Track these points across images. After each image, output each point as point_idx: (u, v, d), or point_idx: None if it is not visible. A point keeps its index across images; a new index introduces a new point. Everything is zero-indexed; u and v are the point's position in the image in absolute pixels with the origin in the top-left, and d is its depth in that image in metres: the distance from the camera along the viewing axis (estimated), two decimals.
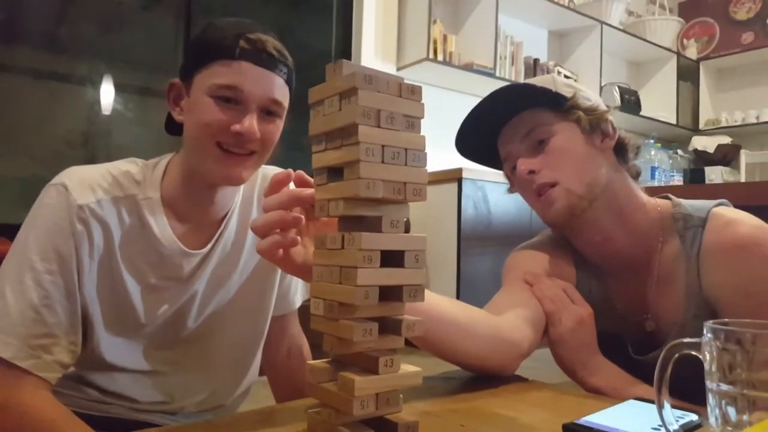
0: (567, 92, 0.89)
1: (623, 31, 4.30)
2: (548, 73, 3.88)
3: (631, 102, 4.24)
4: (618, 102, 4.11)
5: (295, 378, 1.13)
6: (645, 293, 0.89)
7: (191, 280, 0.93)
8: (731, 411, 0.44)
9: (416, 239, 0.55)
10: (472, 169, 2.92)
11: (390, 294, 0.53)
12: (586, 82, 4.12)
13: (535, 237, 1.04)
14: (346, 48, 3.46)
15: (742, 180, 4.25)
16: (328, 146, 0.54)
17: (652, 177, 3.98)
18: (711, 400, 0.46)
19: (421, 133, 0.55)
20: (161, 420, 0.95)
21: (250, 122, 0.83)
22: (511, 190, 1.00)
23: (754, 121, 4.37)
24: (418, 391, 0.55)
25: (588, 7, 4.14)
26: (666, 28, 4.61)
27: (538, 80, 0.91)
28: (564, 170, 0.85)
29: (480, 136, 0.94)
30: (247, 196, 0.99)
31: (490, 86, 3.63)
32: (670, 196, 0.92)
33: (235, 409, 1.07)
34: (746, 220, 0.81)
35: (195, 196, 0.91)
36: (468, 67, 3.40)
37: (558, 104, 0.88)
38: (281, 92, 0.87)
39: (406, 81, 0.54)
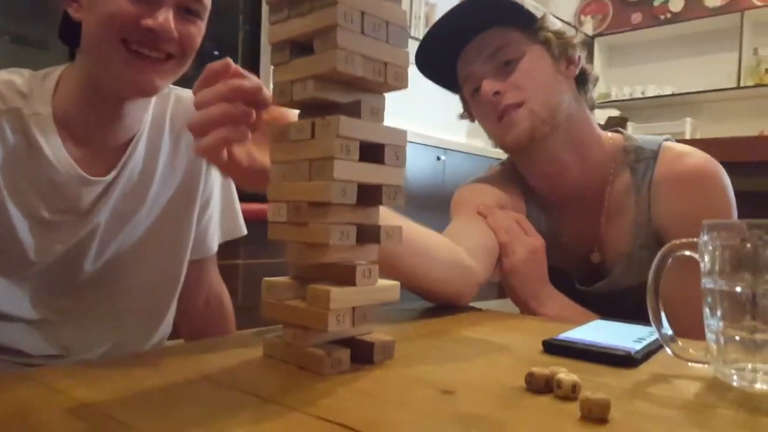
0: (537, 13, 0.85)
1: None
2: None
3: None
4: None
5: (214, 331, 1.02)
6: (594, 226, 0.88)
7: (90, 214, 0.78)
8: (735, 309, 0.42)
9: (398, 132, 0.47)
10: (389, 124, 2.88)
11: (367, 196, 0.45)
12: None
13: (483, 172, 1.00)
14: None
15: None
16: (292, 13, 0.45)
17: None
18: (710, 300, 0.44)
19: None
20: None
21: (166, 17, 0.69)
22: (465, 116, 0.94)
23: (640, 95, 4.73)
24: (382, 319, 0.48)
25: None
26: (567, 3, 4.82)
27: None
28: (530, 92, 0.81)
29: (440, 54, 0.87)
30: (157, 119, 0.85)
31: None
32: (621, 130, 0.91)
33: None
34: (696, 152, 0.82)
35: (96, 113, 0.76)
36: None
37: (526, 24, 0.84)
38: None
39: None
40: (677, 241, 0.47)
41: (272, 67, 0.47)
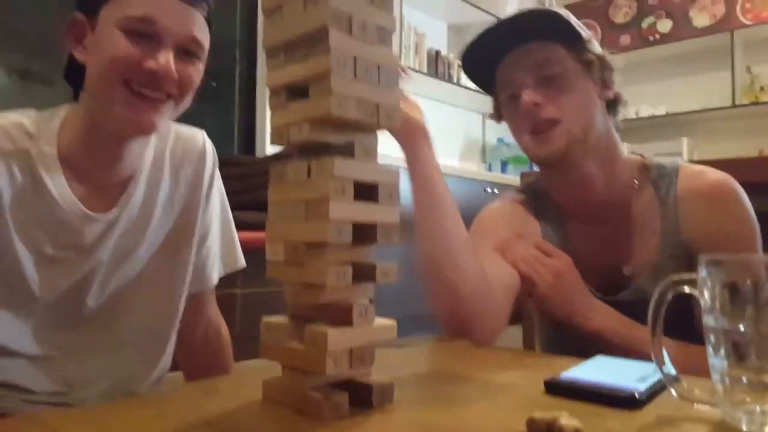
0: (584, 33, 0.87)
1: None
2: (449, 65, 3.95)
3: None
4: None
5: (213, 364, 1.02)
6: (619, 239, 0.90)
7: (93, 250, 0.80)
8: (740, 350, 0.41)
9: (390, 171, 0.47)
10: (381, 154, 2.89)
11: (362, 235, 0.46)
12: None
13: (499, 198, 1.04)
14: (251, 31, 3.27)
15: None
16: (289, 59, 0.46)
17: None
18: (713, 339, 0.43)
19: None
20: None
21: (167, 59, 0.72)
22: (494, 117, 0.97)
23: (633, 116, 4.77)
24: (380, 355, 0.47)
25: (485, 2, 4.27)
26: None
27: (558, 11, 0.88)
28: (568, 110, 0.83)
29: (483, 56, 0.90)
30: (157, 156, 0.87)
31: None
32: (638, 152, 0.95)
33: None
34: (714, 170, 0.86)
35: (98, 152, 0.78)
36: None
37: (571, 42, 0.86)
38: (201, 30, 0.76)
39: None
40: (676, 277, 0.47)
41: (269, 110, 0.47)
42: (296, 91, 0.46)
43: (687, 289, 0.46)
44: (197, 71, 0.78)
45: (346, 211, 0.43)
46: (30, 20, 2.56)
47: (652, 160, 0.91)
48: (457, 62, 4.08)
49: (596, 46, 0.88)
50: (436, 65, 3.87)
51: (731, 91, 4.27)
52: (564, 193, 0.94)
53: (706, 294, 0.44)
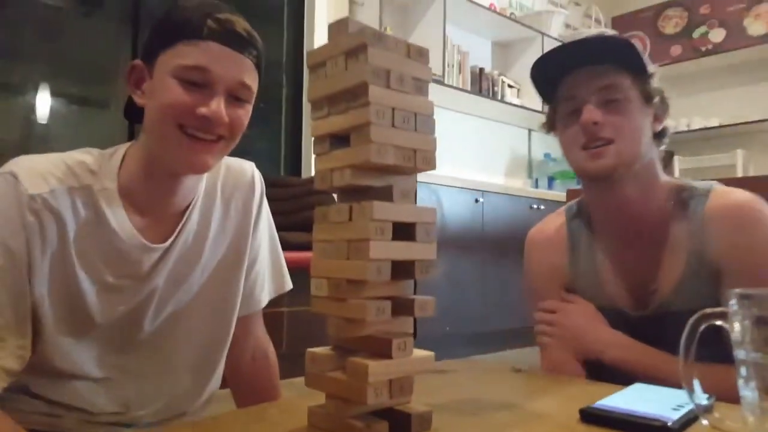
0: (651, 67, 0.92)
1: (562, 42, 4.47)
2: (493, 82, 3.96)
3: None
4: None
5: (260, 384, 1.06)
6: (647, 256, 0.94)
7: (150, 277, 0.85)
8: None
9: (428, 211, 0.51)
10: (426, 173, 2.92)
11: (400, 271, 0.49)
12: (528, 92, 4.24)
13: (536, 226, 1.11)
14: (297, 56, 3.40)
15: None
16: (332, 111, 0.50)
17: None
18: (744, 372, 0.44)
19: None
20: None
21: (218, 105, 0.77)
22: (547, 128, 1.02)
23: (685, 128, 4.63)
24: (421, 382, 0.50)
25: (529, 18, 4.26)
26: None
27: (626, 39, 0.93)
28: (624, 134, 0.88)
29: (553, 68, 0.95)
30: (210, 187, 0.92)
31: (438, 94, 3.63)
32: (678, 177, 0.99)
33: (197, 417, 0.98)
34: (744, 191, 0.88)
35: (155, 187, 0.84)
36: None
37: (638, 72, 0.91)
38: (250, 76, 0.81)
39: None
40: (709, 311, 0.48)
41: (314, 156, 0.52)
42: (339, 139, 0.50)
43: (718, 323, 0.47)
44: (246, 114, 0.82)
45: (385, 250, 0.47)
46: (88, 53, 2.73)
47: (687, 183, 0.95)
48: (501, 78, 4.08)
49: (656, 82, 0.93)
50: (480, 82, 3.88)
51: None
52: (602, 210, 0.99)
53: (737, 327, 0.45)
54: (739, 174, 4.27)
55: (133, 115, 0.86)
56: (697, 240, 0.89)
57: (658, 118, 0.94)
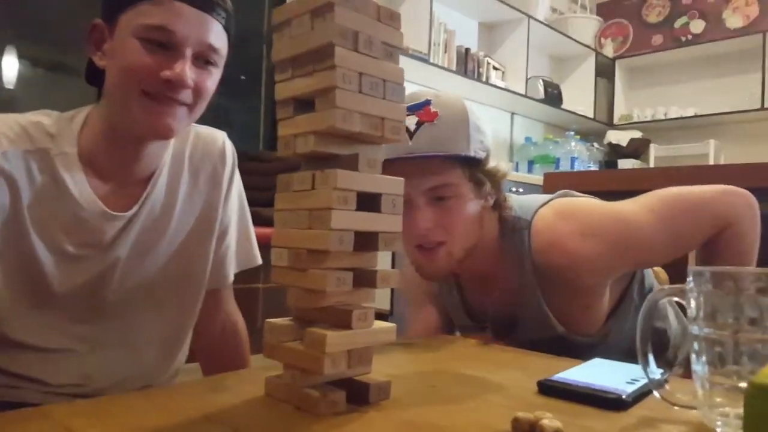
0: (481, 150, 0.86)
1: (548, 26, 4.45)
2: (478, 63, 3.93)
3: (553, 95, 4.39)
4: (542, 95, 4.25)
5: (229, 358, 1.04)
6: (492, 289, 0.93)
7: (112, 247, 0.82)
8: (720, 356, 0.43)
9: (395, 182, 0.49)
10: None
11: (364, 243, 0.48)
12: (513, 73, 4.23)
13: None
14: None
15: None
16: (296, 73, 0.48)
17: (572, 167, 4.16)
18: (696, 347, 0.45)
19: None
20: None
21: (182, 68, 0.73)
22: None
23: (662, 117, 4.68)
24: (380, 355, 0.50)
25: (516, 0, 4.25)
26: (586, 26, 4.82)
27: (454, 114, 0.84)
28: (454, 234, 0.84)
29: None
30: (177, 155, 0.89)
31: (423, 72, 3.59)
32: (509, 197, 0.93)
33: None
34: (560, 229, 0.85)
35: (118, 152, 0.80)
36: (403, 52, 3.37)
37: (469, 162, 0.85)
38: (219, 38, 0.78)
39: None
40: (667, 287, 0.48)
41: (278, 121, 0.50)
42: (303, 104, 0.48)
43: (675, 298, 0.48)
44: (212, 80, 0.79)
45: (348, 220, 0.45)
46: (57, 13, 2.62)
47: (511, 211, 0.91)
48: (486, 60, 4.05)
49: (486, 154, 0.88)
50: (465, 63, 3.85)
51: (761, 94, 4.17)
52: None
53: (693, 303, 0.45)
54: (711, 162, 4.35)
55: (94, 78, 0.83)
56: (528, 275, 0.88)
57: (490, 193, 0.89)
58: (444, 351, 0.70)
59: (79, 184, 0.78)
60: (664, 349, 0.79)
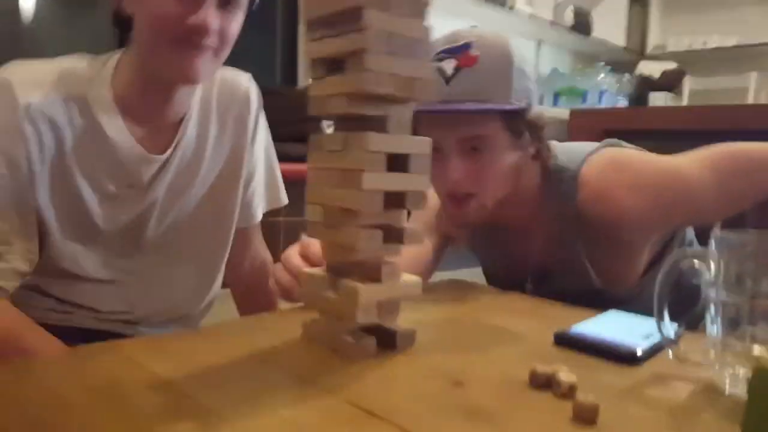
0: (524, 98, 0.81)
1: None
2: None
3: (583, 23, 4.20)
4: (571, 22, 4.06)
5: (258, 293, 1.11)
6: (528, 242, 0.91)
7: (151, 188, 0.86)
8: (735, 320, 0.45)
9: (422, 142, 0.51)
10: None
11: (392, 201, 0.50)
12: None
13: None
14: None
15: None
16: (325, 33, 0.48)
17: (600, 101, 4.03)
18: (712, 310, 0.47)
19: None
20: (124, 329, 0.92)
21: (206, 13, 0.74)
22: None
23: (701, 47, 4.45)
24: (407, 301, 0.53)
25: None
26: None
27: (496, 59, 0.78)
28: (486, 187, 0.81)
29: None
30: (205, 100, 0.91)
31: None
32: (552, 144, 0.89)
33: (200, 321, 1.04)
34: (610, 180, 0.82)
35: (150, 96, 0.83)
36: None
37: (510, 113, 0.80)
38: None
39: None
40: (689, 250, 0.50)
41: (311, 80, 0.51)
42: (335, 63, 0.49)
43: (695, 262, 0.49)
44: (237, 23, 0.80)
45: (378, 181, 0.48)
46: None
47: (556, 160, 0.87)
48: None
49: (534, 112, 0.83)
50: None
51: None
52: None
53: (713, 267, 0.47)
54: (751, 98, 4.17)
55: (122, 23, 0.84)
56: (573, 235, 0.85)
57: (532, 143, 0.84)
58: (466, 299, 0.73)
59: (116, 128, 0.81)
60: (695, 305, 0.79)
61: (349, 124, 0.49)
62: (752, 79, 4.19)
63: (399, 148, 0.49)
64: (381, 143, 0.47)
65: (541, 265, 0.90)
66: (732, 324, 0.45)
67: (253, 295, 1.11)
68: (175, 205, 0.91)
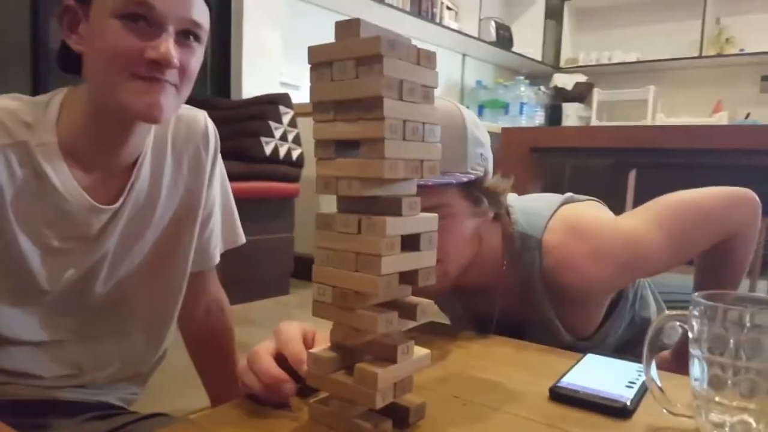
0: (479, 166, 0.83)
1: None
2: (432, 3, 3.85)
3: (504, 38, 4.40)
4: (494, 37, 4.24)
5: (214, 337, 1.07)
6: (492, 305, 0.92)
7: (100, 240, 0.80)
8: (719, 378, 0.49)
9: (430, 220, 0.52)
10: None
11: (403, 278, 0.50)
12: (466, 13, 4.18)
13: None
14: None
15: (593, 116, 4.71)
16: (339, 117, 0.48)
17: (521, 113, 4.24)
18: (696, 364, 0.51)
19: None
20: (71, 395, 0.85)
21: (167, 46, 0.70)
22: None
23: (607, 61, 4.81)
24: None
25: None
26: None
27: (450, 130, 0.79)
28: (448, 254, 0.81)
29: None
30: (159, 139, 0.86)
31: (377, 12, 3.47)
32: (510, 207, 0.91)
33: (151, 376, 0.99)
34: (579, 253, 0.84)
35: (103, 139, 0.77)
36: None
37: (468, 183, 0.82)
38: (201, 12, 0.74)
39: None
40: (671, 313, 0.54)
41: (316, 159, 0.50)
42: (344, 144, 0.49)
43: (678, 323, 0.54)
44: (197, 59, 0.76)
45: (395, 264, 0.48)
46: None
47: (518, 227, 0.89)
48: (440, 1, 3.97)
49: (490, 180, 0.85)
50: (419, 4, 3.76)
51: (699, 41, 4.35)
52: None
53: (695, 326, 0.51)
54: (650, 107, 4.56)
55: (68, 62, 0.78)
56: (540, 295, 0.88)
57: (490, 208, 0.86)
58: (453, 349, 0.75)
59: (61, 176, 0.75)
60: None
61: (359, 205, 0.49)
62: (651, 92, 4.59)
63: (412, 228, 0.49)
64: (398, 227, 0.47)
65: (510, 322, 0.91)
66: (716, 381, 0.50)
67: (208, 341, 1.07)
68: (126, 256, 0.85)
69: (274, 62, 3.23)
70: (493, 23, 4.26)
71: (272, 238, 2.70)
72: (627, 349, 0.98)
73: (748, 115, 4.13)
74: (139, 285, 0.88)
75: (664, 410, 0.54)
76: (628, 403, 0.57)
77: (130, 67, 0.70)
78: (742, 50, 4.20)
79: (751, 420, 0.47)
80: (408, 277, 0.50)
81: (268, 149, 2.59)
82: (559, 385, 0.61)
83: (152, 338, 0.94)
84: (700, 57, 4.35)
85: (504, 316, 0.92)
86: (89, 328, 0.85)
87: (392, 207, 0.49)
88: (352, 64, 0.46)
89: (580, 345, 0.92)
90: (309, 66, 0.49)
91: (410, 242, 0.50)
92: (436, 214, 0.52)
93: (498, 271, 0.89)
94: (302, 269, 3.13)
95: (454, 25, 3.97)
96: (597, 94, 4.76)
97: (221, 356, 1.07)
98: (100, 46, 0.70)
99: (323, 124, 0.49)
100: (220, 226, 0.99)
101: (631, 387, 0.61)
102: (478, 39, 4.16)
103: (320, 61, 0.48)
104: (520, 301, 0.90)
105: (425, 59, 0.49)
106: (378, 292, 0.47)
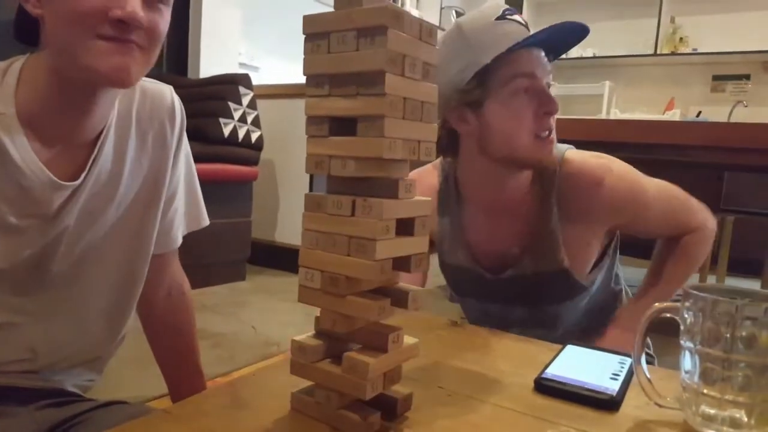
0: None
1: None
2: None
3: None
4: None
5: (175, 319, 1.02)
6: (509, 227, 1.00)
7: (59, 217, 0.75)
8: (710, 370, 0.49)
9: (424, 204, 0.49)
10: None
11: (396, 264, 0.48)
12: (427, 2, 4.16)
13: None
14: None
15: None
16: (334, 92, 0.45)
17: None
18: (687, 355, 0.51)
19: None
20: (25, 381, 0.79)
21: (133, 6, 0.66)
22: (472, 106, 0.92)
23: (563, 56, 4.90)
24: None
25: None
26: None
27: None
28: (553, 126, 0.92)
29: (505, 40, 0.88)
30: (123, 114, 0.81)
31: None
32: None
33: (110, 359, 0.93)
34: (592, 162, 0.95)
35: (65, 109, 0.72)
36: None
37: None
38: None
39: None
40: (661, 305, 0.54)
41: (307, 137, 0.47)
42: (339, 122, 0.46)
43: (669, 315, 0.54)
44: (165, 21, 0.72)
45: (389, 249, 0.45)
46: None
47: None
48: None
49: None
50: None
51: (655, 40, 4.48)
52: (480, 185, 0.99)
53: (687, 319, 0.51)
54: (605, 103, 4.68)
55: (24, 32, 0.71)
56: (548, 218, 0.96)
57: None
58: (436, 338, 0.74)
59: (20, 150, 0.70)
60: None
61: (353, 186, 0.46)
62: (606, 87, 4.70)
63: (408, 212, 0.47)
64: (394, 211, 0.45)
65: (507, 246, 0.99)
66: (706, 374, 0.50)
67: (169, 325, 1.02)
68: (86, 234, 0.80)
69: (233, 41, 3.12)
70: (454, 12, 4.26)
71: (229, 222, 2.62)
72: (591, 336, 1.02)
73: (699, 114, 4.30)
74: (98, 265, 0.83)
75: (652, 402, 0.54)
76: (615, 395, 0.57)
77: (94, 28, 0.65)
78: (695, 50, 4.36)
79: (743, 413, 0.48)
80: (400, 263, 0.48)
81: (226, 131, 2.50)
82: (544, 376, 0.60)
83: (111, 322, 0.89)
84: (655, 54, 4.49)
85: (514, 242, 1.00)
86: (45, 309, 0.80)
87: (388, 189, 0.46)
88: (352, 36, 0.43)
89: (572, 283, 0.99)
90: (303, 37, 0.45)
91: (405, 227, 0.48)
92: (429, 199, 0.50)
93: (527, 187, 0.97)
94: (259, 255, 3.07)
95: (415, 13, 3.95)
96: (554, 89, 4.86)
97: (182, 341, 1.03)
98: (61, 8, 0.65)
99: (317, 99, 0.46)
100: (184, 206, 0.95)
101: (616, 379, 0.61)
102: (439, 27, 4.15)
103: (316, 31, 0.45)
104: (534, 219, 0.97)
105: (427, 34, 0.46)
106: (372, 277, 0.44)
